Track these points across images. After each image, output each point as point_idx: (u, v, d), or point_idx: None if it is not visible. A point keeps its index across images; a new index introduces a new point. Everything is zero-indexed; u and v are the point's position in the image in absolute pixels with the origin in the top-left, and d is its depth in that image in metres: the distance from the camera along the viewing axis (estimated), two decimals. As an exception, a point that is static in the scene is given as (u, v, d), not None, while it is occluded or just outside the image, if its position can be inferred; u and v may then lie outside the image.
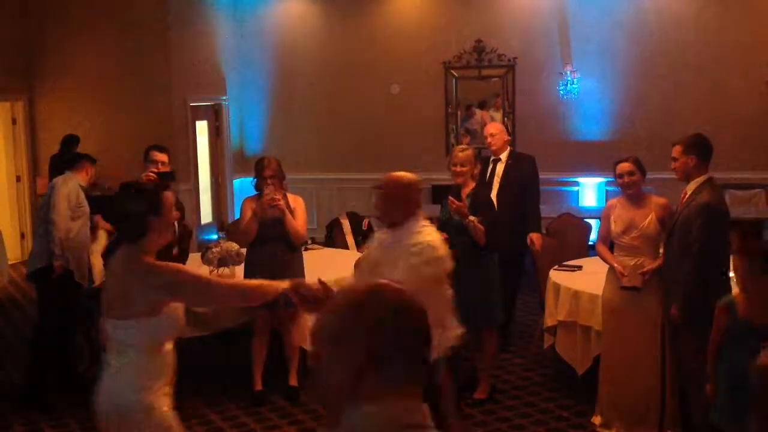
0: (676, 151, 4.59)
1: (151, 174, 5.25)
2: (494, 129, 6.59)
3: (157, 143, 5.70)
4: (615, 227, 4.80)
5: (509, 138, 6.73)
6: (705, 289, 4.27)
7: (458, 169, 5.34)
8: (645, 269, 4.69)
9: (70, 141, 9.29)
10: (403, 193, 4.05)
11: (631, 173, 4.76)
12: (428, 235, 3.98)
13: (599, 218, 5.22)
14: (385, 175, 4.17)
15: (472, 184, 5.38)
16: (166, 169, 5.41)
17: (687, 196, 4.55)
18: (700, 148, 4.56)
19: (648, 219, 4.71)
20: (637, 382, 4.78)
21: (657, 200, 4.82)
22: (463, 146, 5.81)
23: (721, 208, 4.51)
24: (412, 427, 1.45)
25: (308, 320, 4.99)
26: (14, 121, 10.02)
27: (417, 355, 1.51)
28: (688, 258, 4.39)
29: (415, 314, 1.52)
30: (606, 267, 4.94)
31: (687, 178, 4.58)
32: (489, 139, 6.45)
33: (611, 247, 4.95)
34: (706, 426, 4.34)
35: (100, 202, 5.98)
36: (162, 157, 5.47)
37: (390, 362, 1.47)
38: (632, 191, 4.79)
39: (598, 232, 5.17)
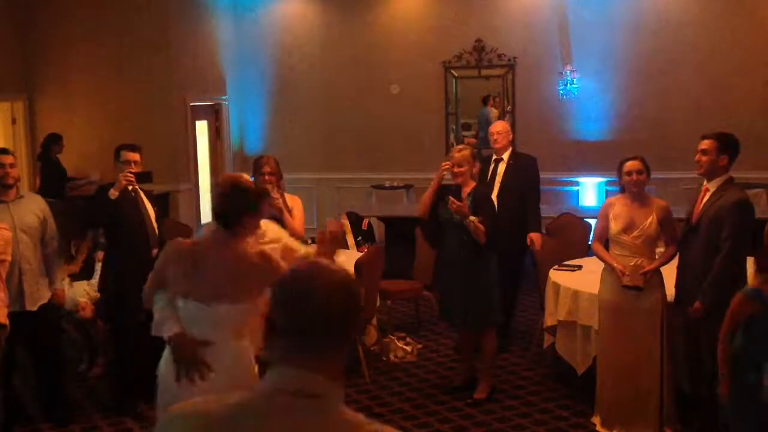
0: (710, 145, 4.56)
1: (129, 174, 5.08)
2: (500, 127, 6.60)
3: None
4: (614, 225, 4.79)
5: (512, 137, 6.73)
6: (735, 284, 4.25)
7: (456, 169, 5.34)
8: (646, 269, 4.69)
9: (51, 141, 9.08)
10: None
11: (640, 171, 4.76)
12: None
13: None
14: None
15: (472, 184, 5.37)
16: (139, 168, 5.18)
17: (710, 194, 4.58)
18: (733, 149, 4.58)
19: (650, 219, 4.71)
20: (635, 381, 4.77)
21: (658, 202, 4.83)
22: (461, 146, 5.81)
23: (751, 206, 4.59)
24: (303, 394, 1.49)
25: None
26: (14, 121, 9.99)
27: (317, 331, 1.53)
28: (717, 254, 4.43)
29: (327, 294, 1.54)
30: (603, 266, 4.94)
31: (710, 175, 4.60)
32: (495, 137, 6.46)
33: (605, 246, 4.95)
34: (716, 427, 4.35)
35: (79, 205, 5.67)
36: (134, 156, 5.21)
37: (283, 331, 1.54)
38: (638, 190, 4.79)
39: (595, 230, 5.16)
